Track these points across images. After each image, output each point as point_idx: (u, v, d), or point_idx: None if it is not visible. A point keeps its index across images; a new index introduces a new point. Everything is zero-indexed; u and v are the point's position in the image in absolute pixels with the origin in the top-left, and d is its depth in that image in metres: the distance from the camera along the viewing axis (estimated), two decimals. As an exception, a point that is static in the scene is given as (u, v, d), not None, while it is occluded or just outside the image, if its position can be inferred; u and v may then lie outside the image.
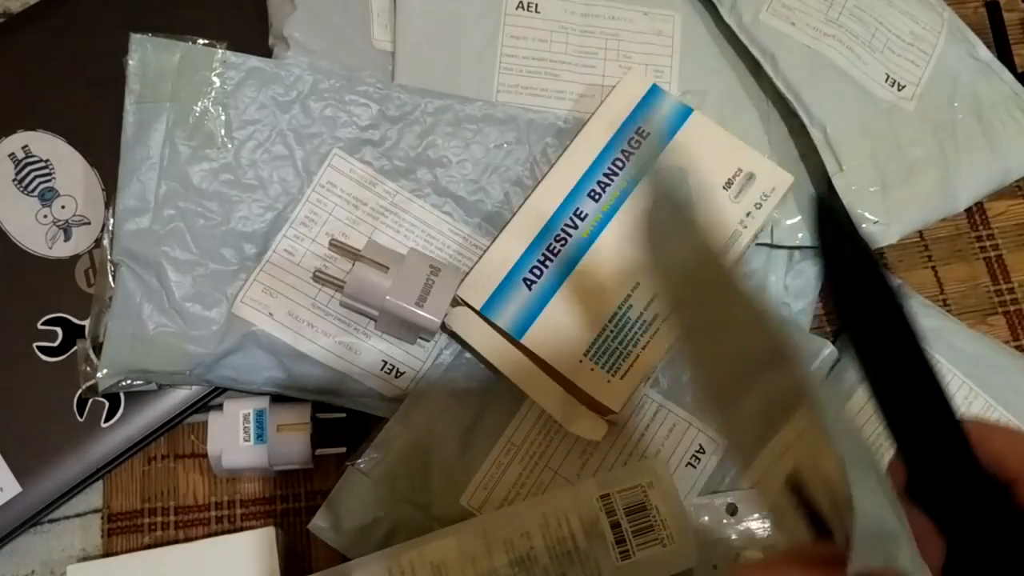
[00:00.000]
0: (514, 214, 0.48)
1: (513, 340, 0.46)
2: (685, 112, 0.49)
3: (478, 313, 0.46)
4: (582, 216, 0.47)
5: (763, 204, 0.48)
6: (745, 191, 0.48)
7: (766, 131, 0.54)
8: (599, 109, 0.49)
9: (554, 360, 0.45)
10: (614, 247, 0.47)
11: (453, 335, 0.47)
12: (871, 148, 0.51)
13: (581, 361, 0.45)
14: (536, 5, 0.53)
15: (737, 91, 0.54)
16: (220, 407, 0.47)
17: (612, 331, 0.46)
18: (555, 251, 0.47)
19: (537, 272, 0.47)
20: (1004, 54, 0.60)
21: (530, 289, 0.46)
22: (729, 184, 0.48)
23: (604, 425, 0.46)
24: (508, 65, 0.52)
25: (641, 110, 0.49)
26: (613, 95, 0.49)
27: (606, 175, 0.48)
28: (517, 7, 0.53)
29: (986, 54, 0.56)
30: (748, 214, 0.48)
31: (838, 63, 0.52)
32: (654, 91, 0.49)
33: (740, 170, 0.48)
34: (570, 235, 0.47)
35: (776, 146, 0.53)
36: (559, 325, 0.46)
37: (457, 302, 0.46)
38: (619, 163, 0.48)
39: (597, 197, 0.47)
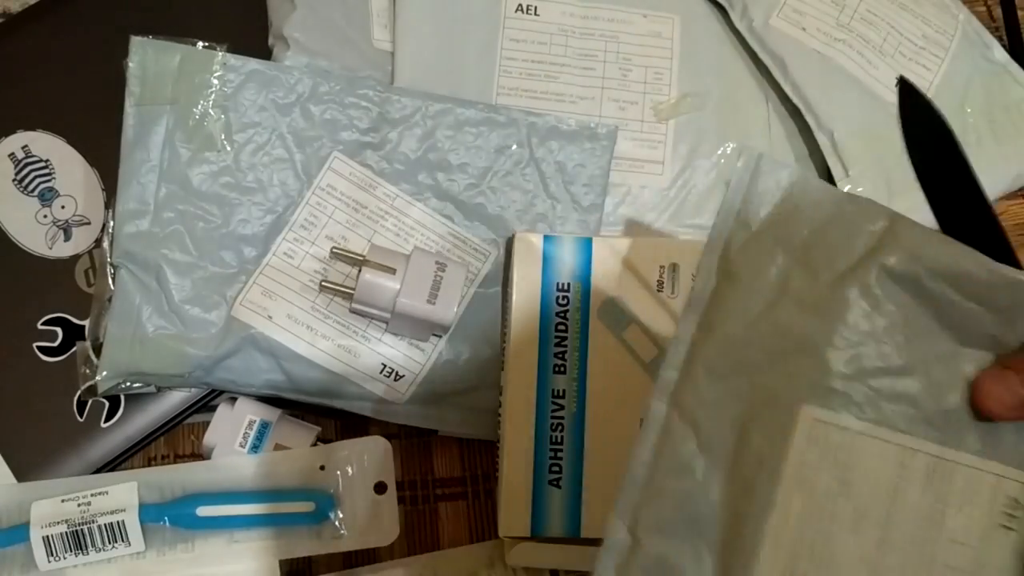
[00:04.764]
0: (499, 423, 0.47)
1: (575, 539, 0.45)
2: (587, 243, 0.47)
3: (532, 539, 0.45)
4: (561, 394, 0.46)
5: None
6: (677, 282, 0.47)
7: (766, 133, 0.53)
8: (514, 286, 0.47)
9: None
10: (605, 403, 0.46)
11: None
12: (878, 154, 0.51)
13: None
14: (535, 8, 0.53)
15: (737, 93, 0.54)
16: (234, 400, 0.47)
17: None
18: (559, 440, 0.46)
19: (556, 469, 0.45)
20: (1016, 49, 0.59)
21: (560, 487, 0.45)
22: (661, 285, 0.47)
23: None
24: (508, 68, 0.52)
25: (548, 266, 0.47)
26: (516, 269, 0.47)
27: (557, 343, 0.46)
28: (516, 10, 0.52)
29: (1002, 56, 0.55)
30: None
31: (848, 68, 0.52)
32: (548, 241, 0.47)
33: (663, 267, 0.47)
34: (561, 417, 0.46)
35: (777, 147, 0.53)
36: (603, 502, 0.45)
37: (508, 542, 0.46)
38: (561, 327, 0.47)
39: (563, 369, 0.46)
